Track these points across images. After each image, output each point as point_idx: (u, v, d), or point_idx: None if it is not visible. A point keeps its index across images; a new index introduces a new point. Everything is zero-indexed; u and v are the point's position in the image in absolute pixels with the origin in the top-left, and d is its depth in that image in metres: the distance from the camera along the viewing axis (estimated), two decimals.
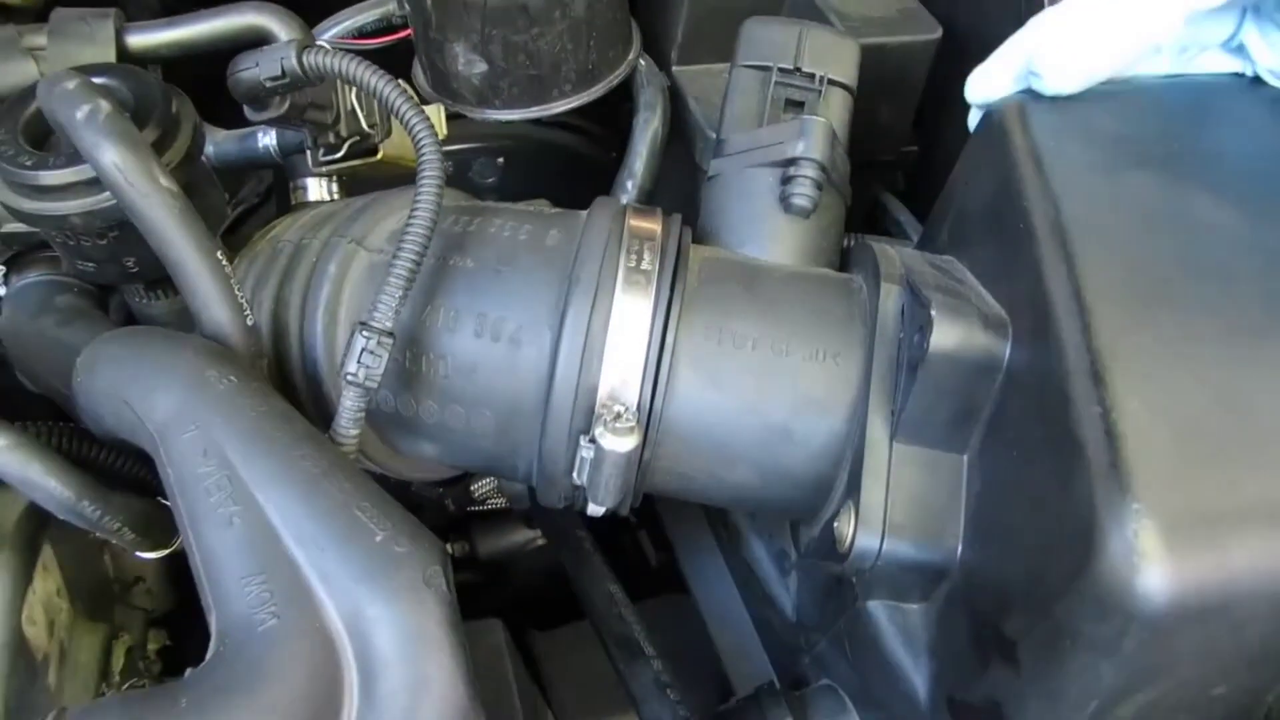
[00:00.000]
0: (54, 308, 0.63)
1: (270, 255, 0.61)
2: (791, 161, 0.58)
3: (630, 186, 0.73)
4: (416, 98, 0.73)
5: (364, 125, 0.66)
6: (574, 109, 0.73)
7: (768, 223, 0.59)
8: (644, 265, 0.53)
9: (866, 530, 0.49)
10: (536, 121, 0.74)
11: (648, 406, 0.52)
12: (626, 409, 0.50)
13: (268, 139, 0.70)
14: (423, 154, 0.54)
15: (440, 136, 0.73)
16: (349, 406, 0.52)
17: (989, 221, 0.54)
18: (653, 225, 0.55)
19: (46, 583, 0.54)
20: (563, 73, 0.70)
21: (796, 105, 0.62)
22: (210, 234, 0.53)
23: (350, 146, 0.67)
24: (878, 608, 0.53)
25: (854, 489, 0.50)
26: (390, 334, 0.51)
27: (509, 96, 0.71)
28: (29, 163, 0.53)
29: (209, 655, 0.43)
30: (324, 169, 0.69)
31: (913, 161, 0.85)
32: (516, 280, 0.54)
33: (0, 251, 0.64)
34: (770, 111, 0.62)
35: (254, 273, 0.61)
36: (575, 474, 0.52)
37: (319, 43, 0.59)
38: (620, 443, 0.49)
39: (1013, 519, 0.46)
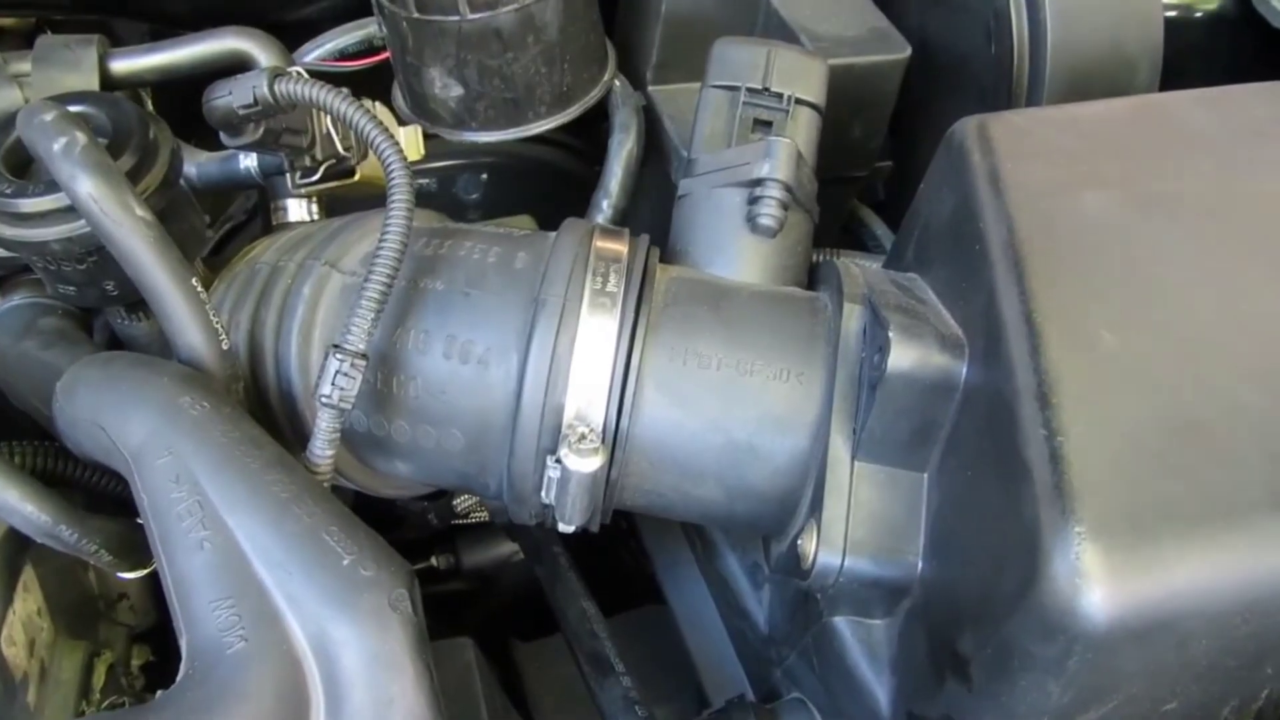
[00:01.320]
0: (38, 330, 0.64)
1: (247, 277, 0.62)
2: (758, 182, 0.59)
3: (605, 206, 0.74)
4: (395, 119, 0.75)
5: (339, 148, 0.67)
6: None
7: (734, 242, 0.60)
8: (609, 287, 0.54)
9: (828, 547, 0.50)
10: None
11: (614, 427, 0.53)
12: (591, 430, 0.51)
13: (249, 161, 0.71)
14: (392, 178, 0.55)
15: (418, 157, 0.74)
16: (323, 428, 0.53)
17: (949, 240, 0.55)
18: (619, 246, 0.56)
19: (27, 603, 0.55)
20: (538, 95, 0.70)
21: (765, 125, 0.63)
22: (185, 260, 0.54)
23: (327, 169, 0.68)
24: (842, 623, 0.54)
25: (816, 507, 0.51)
26: (363, 356, 0.52)
27: (485, 119, 0.72)
28: (9, 190, 0.55)
29: (180, 677, 0.44)
30: (303, 190, 0.70)
31: (888, 176, 0.86)
32: (485, 302, 0.55)
33: None
34: (739, 131, 0.63)
35: (232, 294, 0.62)
36: (543, 493, 0.53)
37: (292, 69, 0.60)
38: (585, 463, 0.50)
39: (966, 538, 0.47)
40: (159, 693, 0.44)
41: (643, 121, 0.77)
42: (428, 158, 0.85)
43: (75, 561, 0.58)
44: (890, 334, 0.49)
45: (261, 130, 0.60)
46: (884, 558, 0.50)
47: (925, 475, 0.51)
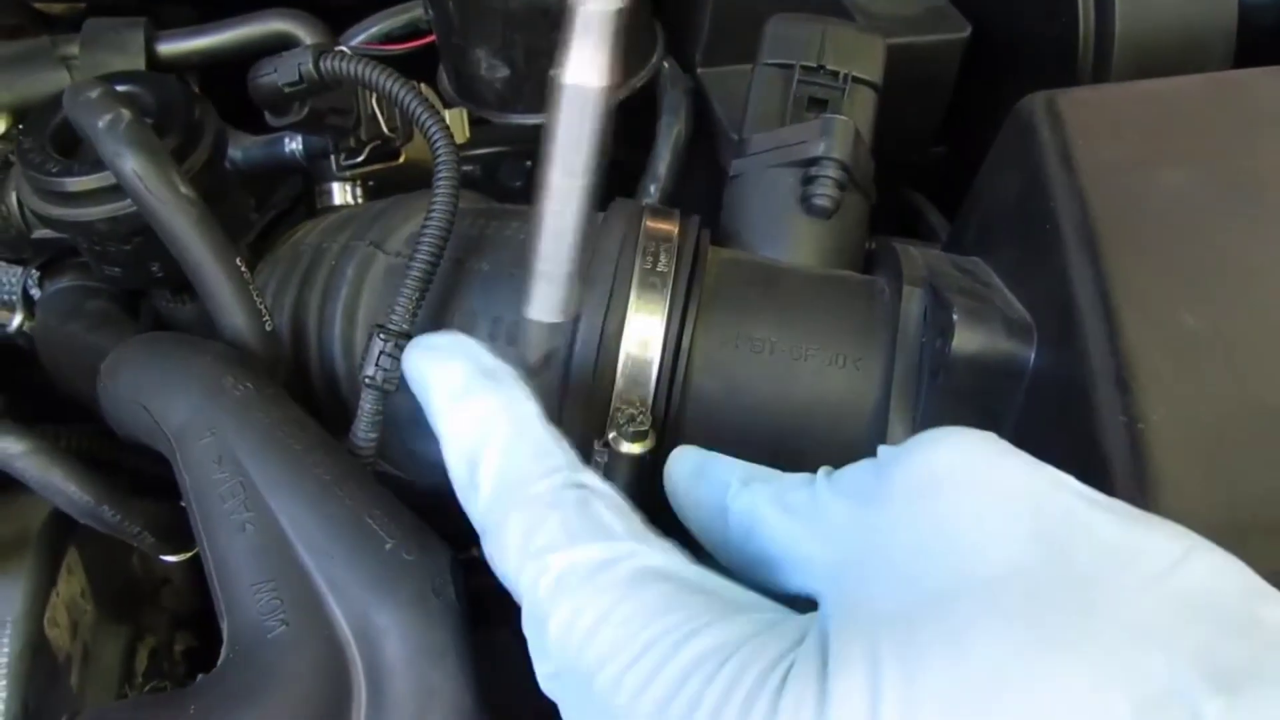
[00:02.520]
0: (84, 312, 0.64)
1: (291, 259, 0.61)
2: (813, 161, 0.57)
3: (653, 190, 0.72)
4: (440, 101, 0.74)
5: (385, 129, 0.66)
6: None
7: (788, 224, 0.58)
8: (660, 267, 0.53)
9: None
10: None
11: (663, 411, 0.51)
12: (640, 413, 0.50)
13: (294, 144, 0.71)
14: (439, 157, 0.54)
15: (463, 140, 0.73)
16: (367, 409, 0.52)
17: (1015, 222, 0.52)
18: (670, 226, 0.55)
19: (71, 585, 0.55)
20: None
21: (820, 104, 0.61)
22: (229, 241, 0.53)
23: (372, 150, 0.67)
24: None
25: None
26: (408, 336, 0.51)
27: (531, 101, 0.70)
28: (55, 170, 0.54)
29: (220, 661, 0.44)
30: (347, 173, 0.69)
31: (941, 162, 0.83)
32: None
33: (33, 257, 0.65)
34: (793, 110, 0.61)
35: (275, 277, 0.61)
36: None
37: (337, 48, 0.59)
38: (634, 447, 0.49)
39: None
40: (199, 676, 0.44)
41: (692, 104, 0.75)
42: (472, 144, 0.84)
43: (119, 545, 0.57)
44: (954, 316, 0.46)
45: (306, 109, 0.59)
46: None
47: None
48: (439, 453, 0.59)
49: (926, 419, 0.48)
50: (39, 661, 0.50)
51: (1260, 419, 0.39)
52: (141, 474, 0.61)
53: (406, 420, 0.57)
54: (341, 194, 0.71)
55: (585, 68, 0.32)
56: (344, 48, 0.60)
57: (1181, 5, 0.70)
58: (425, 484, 0.64)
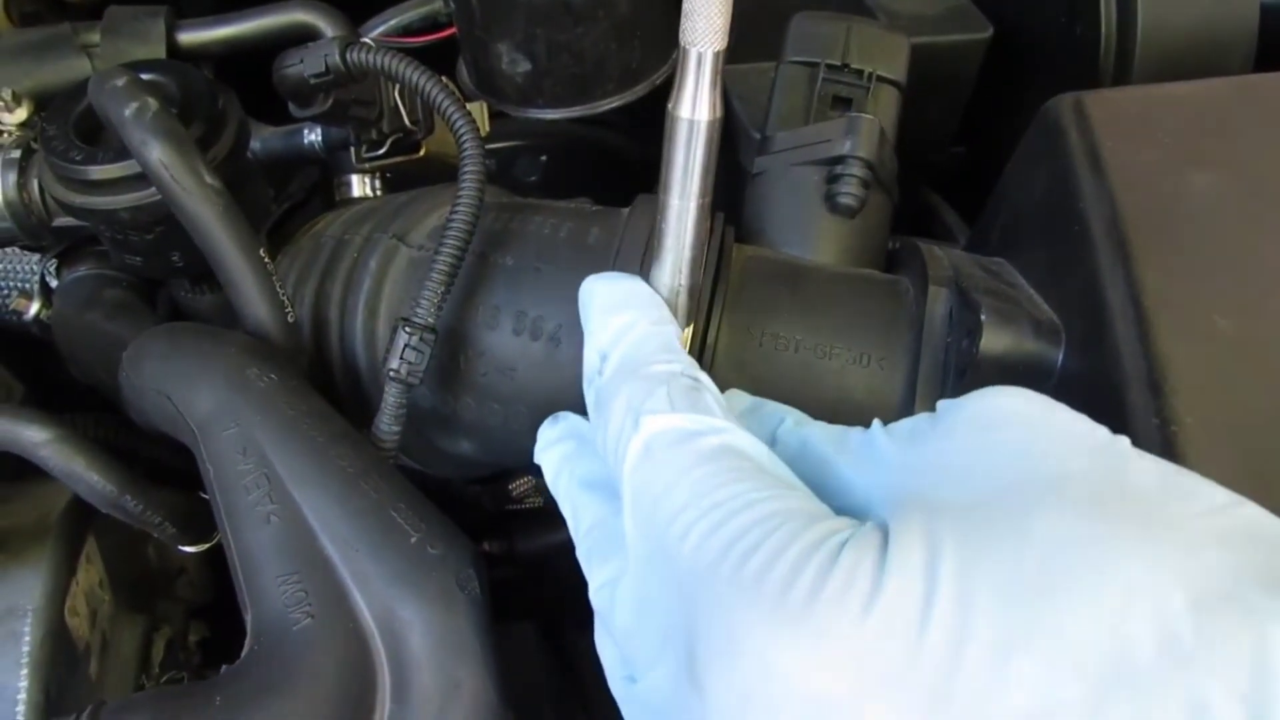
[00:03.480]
0: (102, 301, 0.64)
1: (313, 250, 0.61)
2: (838, 160, 0.56)
3: None
4: (460, 95, 0.74)
5: (407, 122, 0.66)
6: (618, 107, 0.72)
7: (813, 222, 0.58)
8: None
9: None
10: (580, 120, 0.73)
11: None
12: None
13: (313, 135, 0.71)
14: (465, 151, 0.54)
15: (483, 134, 0.73)
16: (391, 402, 0.52)
17: (1043, 222, 0.52)
18: None
19: (90, 574, 0.55)
20: (606, 72, 0.69)
21: (844, 102, 0.61)
22: (253, 231, 0.53)
23: (393, 143, 0.67)
24: None
25: None
26: (432, 330, 0.51)
27: (552, 95, 0.70)
28: (79, 157, 0.54)
29: (244, 653, 0.44)
30: (367, 165, 0.69)
31: (960, 162, 0.83)
32: (556, 278, 0.53)
33: (52, 245, 0.64)
34: (817, 108, 0.61)
35: (296, 268, 0.61)
36: None
37: (363, 39, 0.59)
38: None
39: None
40: (223, 668, 0.44)
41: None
42: (488, 138, 0.84)
43: (136, 534, 0.57)
44: (983, 317, 0.46)
45: (331, 101, 0.59)
46: None
47: None
48: (457, 447, 0.59)
49: None
50: (60, 650, 0.49)
51: None
52: (159, 463, 0.61)
53: (427, 414, 0.57)
54: (361, 186, 0.71)
55: (695, 103, 0.34)
56: (368, 39, 0.60)
57: (1203, 6, 0.70)
58: (443, 478, 0.64)
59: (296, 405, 0.48)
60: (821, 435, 0.38)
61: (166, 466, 0.60)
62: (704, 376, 0.37)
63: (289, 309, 0.54)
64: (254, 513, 0.45)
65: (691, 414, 0.34)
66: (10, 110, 0.62)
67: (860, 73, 0.61)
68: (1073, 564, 0.26)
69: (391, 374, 0.51)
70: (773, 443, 0.39)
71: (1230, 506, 0.29)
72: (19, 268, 0.67)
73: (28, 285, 0.67)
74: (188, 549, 0.55)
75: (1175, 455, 0.38)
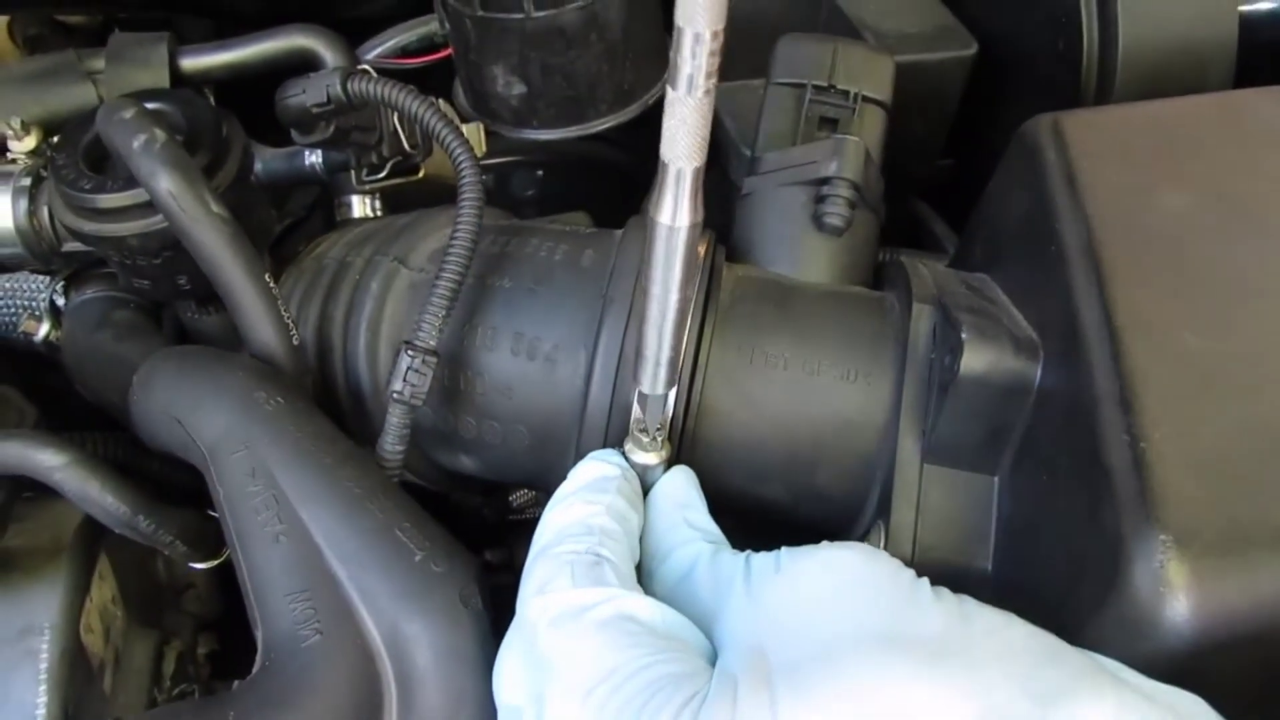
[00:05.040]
0: (111, 323, 0.65)
1: (315, 272, 0.63)
2: (825, 181, 0.58)
3: None
4: (456, 117, 0.75)
5: (406, 146, 0.67)
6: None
7: (801, 241, 0.59)
8: None
9: (896, 550, 0.49)
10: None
11: (679, 425, 0.53)
12: (657, 428, 0.51)
13: (314, 157, 0.72)
14: (463, 177, 0.55)
15: (480, 154, 0.75)
16: (394, 423, 0.53)
17: (1021, 240, 0.54)
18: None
19: (103, 591, 0.56)
20: (599, 93, 0.70)
21: (831, 123, 0.62)
22: (258, 256, 0.55)
23: (393, 166, 0.68)
24: None
25: (884, 509, 0.51)
26: (434, 353, 0.52)
27: (546, 117, 0.72)
28: (88, 186, 0.56)
29: (255, 669, 0.45)
30: (368, 187, 0.70)
31: (948, 173, 0.85)
32: (552, 299, 0.55)
33: (61, 269, 0.66)
34: (804, 129, 0.62)
35: (299, 289, 0.63)
36: None
37: (362, 67, 0.61)
38: (648, 456, 0.50)
39: (1041, 543, 0.46)
40: (235, 683, 0.45)
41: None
42: (484, 156, 0.85)
43: (146, 550, 0.59)
44: (963, 335, 0.48)
45: (332, 128, 0.61)
46: (954, 561, 0.49)
47: (996, 479, 0.50)
48: (458, 464, 0.61)
49: (936, 433, 0.50)
50: (76, 667, 0.51)
51: (1261, 437, 0.41)
52: (167, 480, 0.62)
53: (429, 432, 0.59)
54: (361, 207, 0.73)
55: (673, 211, 0.39)
56: (368, 67, 0.62)
57: (1183, 23, 0.71)
58: (443, 491, 0.65)
59: (304, 427, 0.50)
60: (727, 563, 0.44)
61: (175, 483, 0.62)
62: (607, 550, 0.44)
63: (294, 331, 0.56)
64: (263, 533, 0.47)
65: (588, 589, 0.41)
66: (19, 139, 0.63)
67: (846, 93, 0.62)
68: (881, 701, 0.34)
69: (395, 396, 0.52)
70: (670, 553, 0.46)
71: (1007, 625, 0.37)
72: (26, 287, 0.69)
73: (35, 306, 0.68)
74: (198, 565, 0.57)
75: (1144, 469, 0.39)
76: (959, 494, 0.50)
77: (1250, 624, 0.38)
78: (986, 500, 0.50)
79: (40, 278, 0.69)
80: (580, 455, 0.54)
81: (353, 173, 0.70)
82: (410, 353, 0.52)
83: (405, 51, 0.79)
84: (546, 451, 0.56)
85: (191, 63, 0.72)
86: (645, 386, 0.46)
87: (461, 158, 0.55)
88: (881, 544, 0.50)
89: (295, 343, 0.56)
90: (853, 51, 0.64)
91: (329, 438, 0.50)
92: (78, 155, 0.58)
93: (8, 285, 0.68)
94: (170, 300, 0.65)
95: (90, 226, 0.57)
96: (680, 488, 0.50)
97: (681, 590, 0.45)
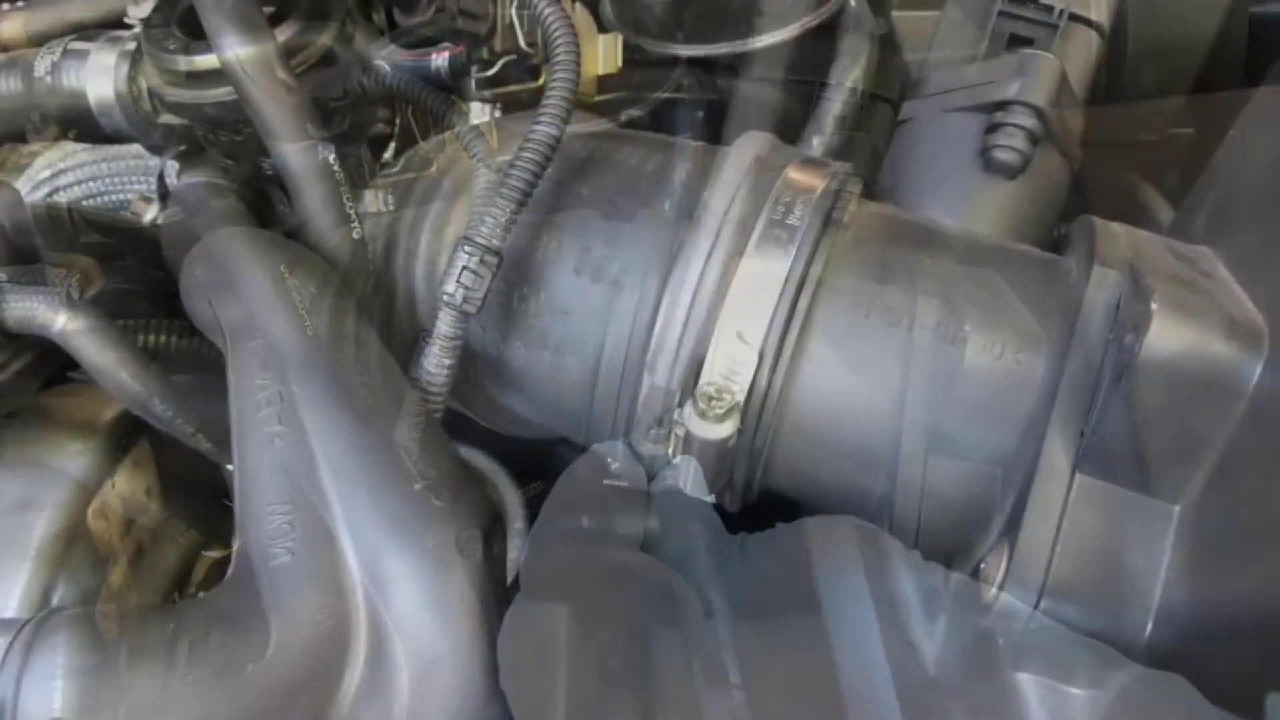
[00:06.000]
0: (208, 209, 0.62)
1: (402, 172, 0.57)
2: (1001, 105, 0.46)
3: (816, 143, 0.63)
4: (598, 25, 0.68)
5: (521, 43, 0.60)
6: (772, 52, 0.64)
7: (961, 179, 0.48)
8: (791, 219, 0.44)
9: (1020, 579, 0.37)
10: (735, 72, 0.66)
11: (764, 385, 0.42)
12: (731, 386, 0.41)
13: (440, 60, 0.67)
14: (556, 63, 0.47)
15: (615, 68, 0.67)
16: (443, 331, 0.46)
17: (1261, 203, 0.40)
18: (816, 180, 0.46)
19: (134, 480, 0.53)
20: (755, 4, 0.61)
21: (1025, 42, 0.50)
22: (325, 138, 0.49)
23: (505, 65, 0.61)
24: (1029, 682, 0.40)
25: (1014, 524, 0.39)
26: (496, 253, 0.45)
27: (694, 29, 0.63)
28: (172, 47, 0.53)
29: (225, 578, 0.40)
30: (485, 92, 0.64)
31: (1183, 147, 0.69)
32: (631, 214, 0.46)
33: (163, 145, 0.64)
34: (989, 49, 0.50)
35: (399, 189, 0.57)
36: (669, 450, 0.44)
37: None
38: (712, 429, 0.41)
39: (1240, 602, 0.34)
40: (200, 595, 0.40)
41: (875, 52, 0.65)
42: (642, 89, 0.77)
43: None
44: (1153, 305, 0.35)
45: (433, 8, 0.54)
46: (1098, 607, 0.37)
47: (1177, 507, 0.37)
48: (506, 399, 0.53)
49: (1099, 435, 0.37)
50: (75, 551, 0.47)
51: None
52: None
53: (488, 365, 0.51)
54: (479, 114, 0.66)
55: None
56: None
57: None
58: (503, 433, 0.58)
59: (330, 324, 0.44)
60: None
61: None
62: None
63: (355, 223, 0.50)
64: (261, 432, 0.42)
65: None
66: (137, 2, 0.61)
67: (1050, 8, 0.50)
68: None
69: (446, 299, 0.45)
70: None
71: None
72: (138, 165, 0.68)
73: (146, 187, 0.67)
74: (231, 466, 0.52)
75: None
76: (1119, 519, 0.37)
77: None
78: (1159, 533, 0.37)
79: (153, 157, 0.67)
80: (635, 403, 0.44)
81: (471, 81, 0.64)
82: (467, 249, 0.44)
83: None
84: (597, 392, 0.46)
85: None
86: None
87: (559, 37, 0.47)
88: (1002, 567, 0.38)
89: (356, 235, 0.50)
90: None
91: (355, 340, 0.44)
92: (174, 19, 0.54)
93: (118, 163, 0.67)
94: (260, 187, 0.61)
95: (172, 93, 0.53)
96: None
97: None
